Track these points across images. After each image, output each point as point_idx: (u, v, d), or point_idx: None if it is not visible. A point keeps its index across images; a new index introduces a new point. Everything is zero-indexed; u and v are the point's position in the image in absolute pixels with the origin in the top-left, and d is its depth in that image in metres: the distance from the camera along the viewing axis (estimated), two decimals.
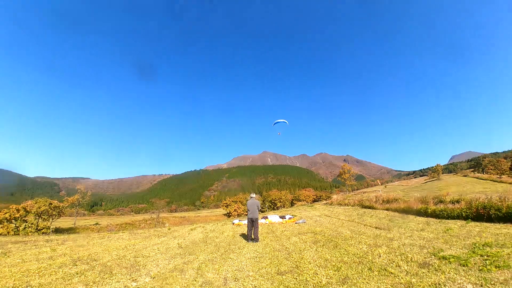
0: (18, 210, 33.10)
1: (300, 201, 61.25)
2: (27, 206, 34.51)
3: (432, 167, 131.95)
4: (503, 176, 72.76)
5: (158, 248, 12.15)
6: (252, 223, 12.68)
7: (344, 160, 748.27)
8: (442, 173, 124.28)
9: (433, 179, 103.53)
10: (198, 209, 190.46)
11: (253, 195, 13.38)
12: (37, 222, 34.09)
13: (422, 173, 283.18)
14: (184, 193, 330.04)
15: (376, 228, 12.93)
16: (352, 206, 27.04)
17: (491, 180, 64.11)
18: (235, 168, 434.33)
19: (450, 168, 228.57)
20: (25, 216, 33.82)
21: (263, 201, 63.88)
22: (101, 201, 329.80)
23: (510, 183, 58.29)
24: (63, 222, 63.41)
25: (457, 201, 16.15)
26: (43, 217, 35.55)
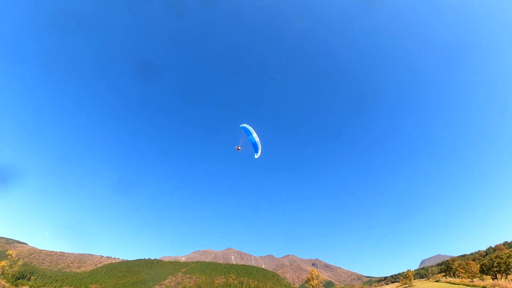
0: None
1: None
2: None
3: (403, 272, 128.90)
4: (474, 279, 73.11)
5: None
6: None
7: (313, 264, 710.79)
8: (414, 279, 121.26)
9: (405, 285, 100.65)
10: None
11: None
12: None
13: (393, 279, 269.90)
14: (131, 283, 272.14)
15: None
16: None
17: (463, 285, 63.92)
18: (194, 263, 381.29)
19: (421, 273, 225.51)
20: None
21: None
22: (30, 274, 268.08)
23: (482, 287, 58.17)
24: None
25: None
26: None
